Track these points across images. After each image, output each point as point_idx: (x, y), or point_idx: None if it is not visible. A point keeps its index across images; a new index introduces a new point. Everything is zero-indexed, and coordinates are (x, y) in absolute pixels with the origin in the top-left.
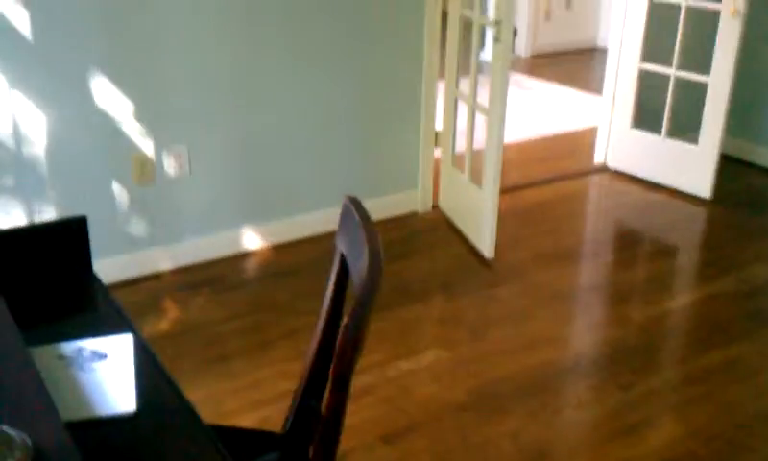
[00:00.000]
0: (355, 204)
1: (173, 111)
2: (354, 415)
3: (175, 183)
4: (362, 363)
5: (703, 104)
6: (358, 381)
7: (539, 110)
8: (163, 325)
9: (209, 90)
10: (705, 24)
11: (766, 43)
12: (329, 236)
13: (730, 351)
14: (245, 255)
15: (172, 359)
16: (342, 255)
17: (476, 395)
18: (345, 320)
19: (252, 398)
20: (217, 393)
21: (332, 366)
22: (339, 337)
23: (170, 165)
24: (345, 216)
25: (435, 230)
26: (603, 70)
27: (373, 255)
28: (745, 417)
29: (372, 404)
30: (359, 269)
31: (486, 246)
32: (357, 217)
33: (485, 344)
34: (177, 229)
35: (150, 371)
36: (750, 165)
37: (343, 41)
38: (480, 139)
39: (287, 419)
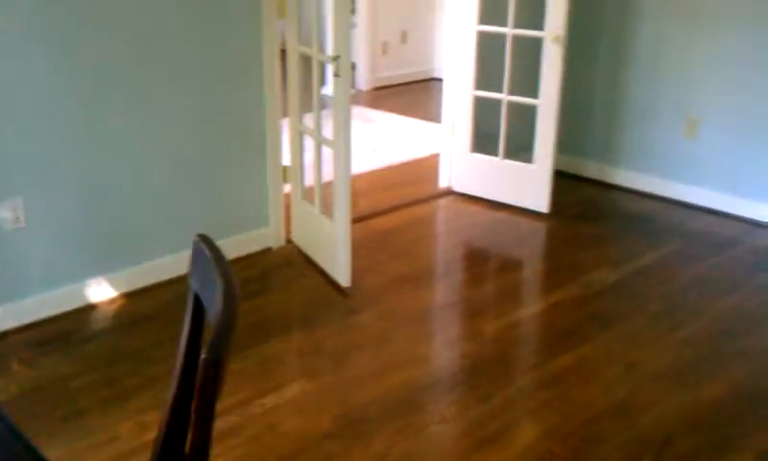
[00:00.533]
0: (206, 241)
1: (4, 161)
2: (220, 457)
3: (11, 237)
4: (225, 404)
5: (535, 125)
6: (223, 423)
7: (383, 141)
8: (12, 387)
9: (45, 136)
10: (531, 51)
11: (587, 66)
12: (182, 280)
13: (577, 352)
14: (95, 306)
15: (24, 421)
16: (195, 295)
17: (342, 422)
18: (203, 354)
19: (111, 452)
20: (74, 451)
21: (194, 403)
22: (198, 372)
23: (5, 218)
24: (196, 254)
25: (290, 265)
26: (441, 99)
27: (228, 287)
28: (595, 412)
29: (238, 445)
30: (215, 304)
31: (342, 275)
32: (209, 254)
33: (347, 371)
34: (19, 284)
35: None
36: (581, 179)
37: (184, 83)
38: (329, 172)
39: None
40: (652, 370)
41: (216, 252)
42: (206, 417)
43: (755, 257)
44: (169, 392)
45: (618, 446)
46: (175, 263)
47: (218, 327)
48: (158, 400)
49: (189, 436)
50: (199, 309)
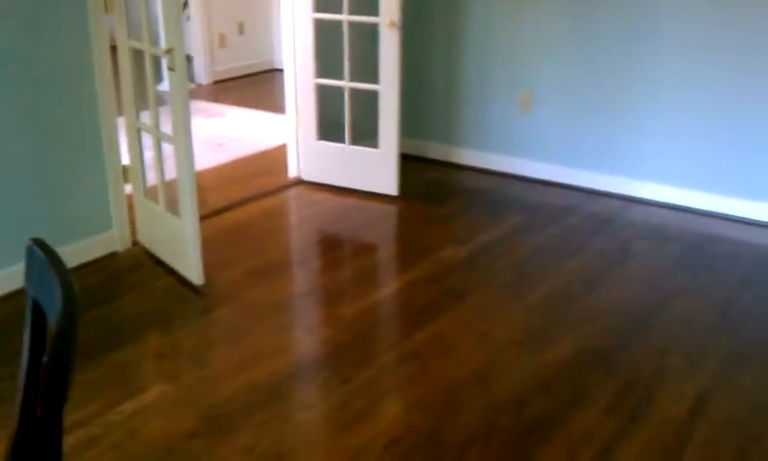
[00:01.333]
0: (39, 244)
1: None
2: None
3: None
4: (82, 414)
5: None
6: (81, 434)
7: (228, 135)
8: None
9: None
10: (370, 37)
11: (424, 50)
12: (21, 293)
13: (433, 327)
14: None
15: None
16: (34, 300)
17: (206, 420)
18: (45, 358)
19: None
20: None
21: (39, 409)
22: (41, 376)
23: None
24: (30, 259)
25: (139, 267)
26: (284, 89)
27: (66, 287)
28: (454, 382)
29: (99, 455)
30: (54, 307)
31: (194, 273)
32: (43, 256)
33: (207, 369)
34: None
35: None
36: (427, 160)
37: (10, 85)
38: (172, 169)
39: None
40: (504, 337)
41: (51, 254)
42: (54, 423)
43: (591, 224)
44: (16, 403)
45: (477, 411)
46: (13, 276)
47: (59, 329)
48: (9, 418)
49: (38, 445)
50: (39, 315)
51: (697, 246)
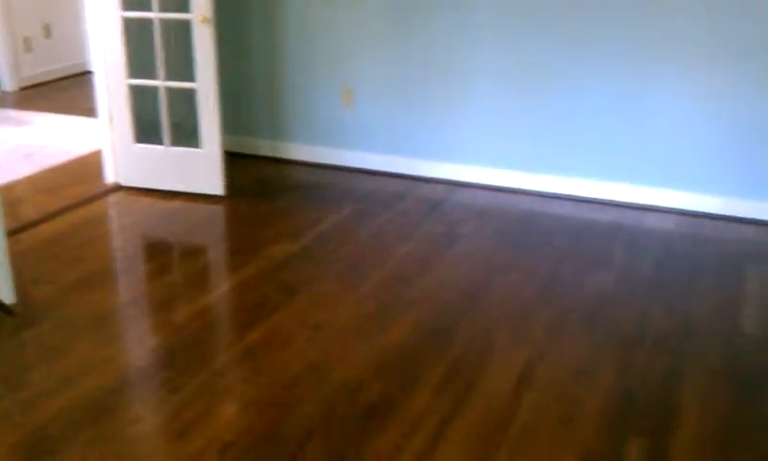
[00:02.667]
0: None
1: None
2: None
3: None
4: None
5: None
6: None
7: (39, 143)
8: None
9: None
10: (187, 34)
11: (244, 46)
12: None
13: (267, 324)
14: None
15: None
16: None
17: (23, 446)
18: None
19: None
20: None
21: None
22: None
23: None
24: None
25: None
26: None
27: None
28: (291, 377)
29: None
30: None
31: (4, 292)
32: None
33: (22, 392)
34: None
35: None
36: (255, 157)
37: None
38: None
39: None
40: (339, 327)
41: None
42: None
43: (419, 209)
44: None
45: (314, 404)
46: None
47: None
48: None
49: None
50: None
51: (519, 223)
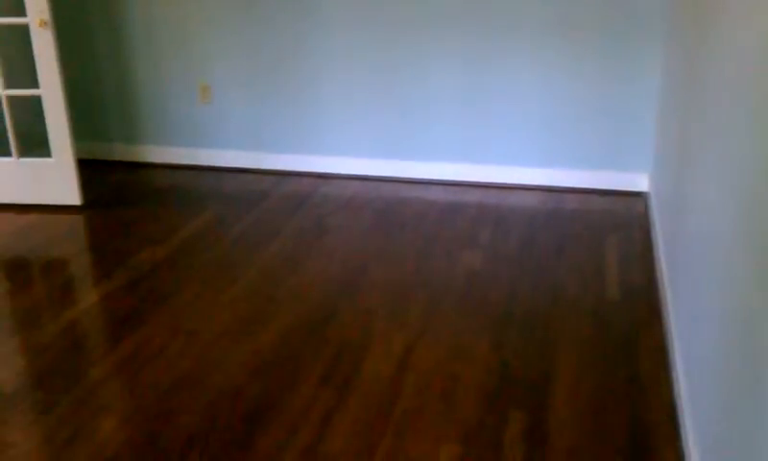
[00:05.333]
0: None
1: None
2: None
3: None
4: None
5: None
6: None
7: None
8: None
9: None
10: (27, 39)
11: (90, 49)
12: None
13: (138, 335)
14: None
15: None
16: None
17: None
18: None
19: None
20: None
21: None
22: None
23: None
24: None
25: None
26: None
27: None
28: (166, 388)
29: None
30: None
31: None
32: None
33: None
34: None
35: None
36: (110, 163)
37: None
38: None
39: None
40: (213, 332)
41: None
42: None
43: (286, 205)
44: None
45: (194, 411)
46: None
47: None
48: None
49: None
50: None
51: (387, 211)
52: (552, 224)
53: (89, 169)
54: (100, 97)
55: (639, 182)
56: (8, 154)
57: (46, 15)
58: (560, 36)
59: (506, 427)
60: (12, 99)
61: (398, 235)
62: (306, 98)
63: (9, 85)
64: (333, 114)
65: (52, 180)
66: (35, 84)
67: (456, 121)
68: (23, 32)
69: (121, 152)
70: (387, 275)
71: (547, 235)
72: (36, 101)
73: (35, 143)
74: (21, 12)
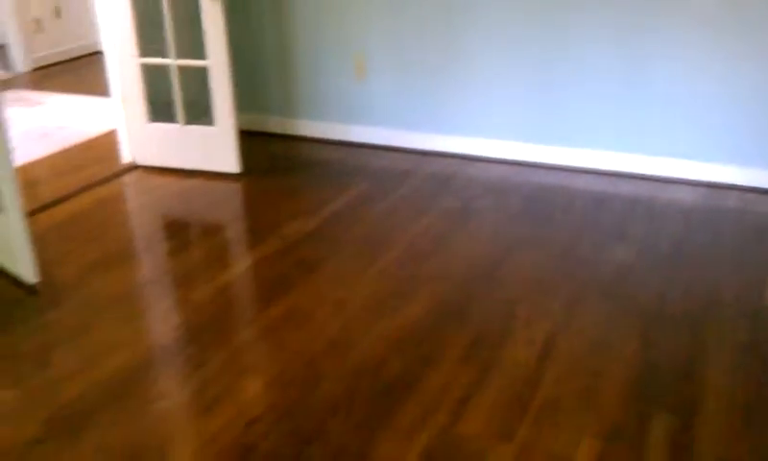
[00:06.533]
0: None
1: None
2: None
3: None
4: None
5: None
6: None
7: (54, 124)
8: None
9: None
10: (197, 12)
11: (253, 22)
12: None
13: (287, 301)
14: None
15: None
16: None
17: (51, 423)
18: None
19: None
20: None
21: None
22: None
23: None
24: None
25: None
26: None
27: None
28: (312, 354)
29: None
30: None
31: (26, 272)
32: None
33: (50, 370)
34: None
35: None
36: (267, 135)
37: None
38: None
39: None
40: (358, 304)
41: None
42: None
43: (432, 185)
44: None
45: (336, 380)
46: None
47: None
48: None
49: None
50: None
51: (535, 197)
52: (710, 222)
53: (248, 139)
54: (261, 69)
55: None
56: (175, 121)
57: None
58: (729, 22)
59: (650, 429)
60: (180, 69)
61: (545, 223)
62: (456, 78)
63: (179, 56)
64: (482, 95)
65: (214, 147)
66: (202, 54)
67: (610, 106)
68: (193, 4)
69: (278, 124)
70: (531, 262)
71: (704, 234)
72: (203, 71)
73: (200, 112)
74: None
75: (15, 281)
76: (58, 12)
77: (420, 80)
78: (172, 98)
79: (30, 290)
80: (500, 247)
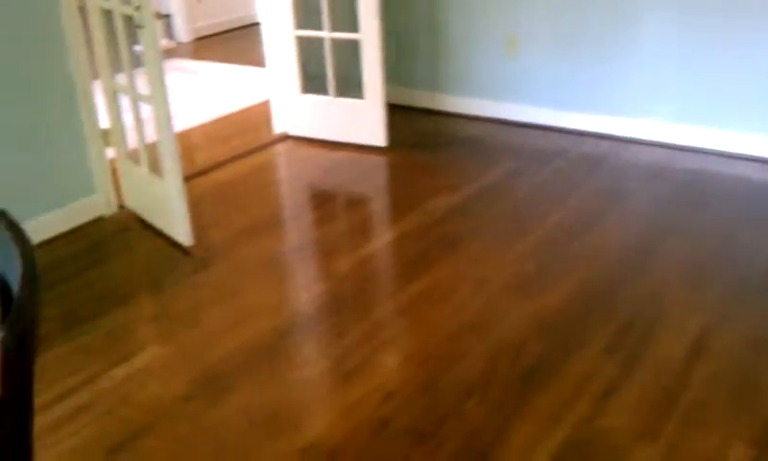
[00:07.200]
0: (1, 216)
1: None
2: (74, 436)
3: None
4: (73, 381)
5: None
6: (73, 401)
7: (212, 92)
8: None
9: None
10: None
11: None
12: None
13: (428, 277)
14: None
15: None
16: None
17: (200, 381)
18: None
19: None
20: None
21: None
22: None
23: None
24: None
25: (127, 231)
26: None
27: (26, 263)
28: (451, 331)
29: (91, 421)
30: (16, 282)
31: (182, 234)
32: (5, 230)
33: (200, 329)
34: None
35: None
36: (414, 109)
37: None
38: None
39: None
40: (500, 283)
41: (14, 226)
42: (20, 402)
43: (583, 165)
44: None
45: (475, 360)
46: None
47: (17, 303)
48: None
49: (5, 425)
50: (5, 289)
51: (692, 183)
52: None
53: (394, 113)
54: (411, 43)
55: None
56: (325, 92)
57: None
58: None
59: None
60: (332, 41)
61: (701, 211)
62: (616, 55)
63: (333, 28)
64: (643, 75)
65: (362, 120)
66: (353, 27)
67: None
68: None
69: (425, 99)
70: (685, 251)
71: None
72: (353, 44)
73: (348, 84)
74: None
75: (171, 243)
76: None
77: (575, 57)
78: (323, 70)
79: (184, 252)
80: (652, 233)
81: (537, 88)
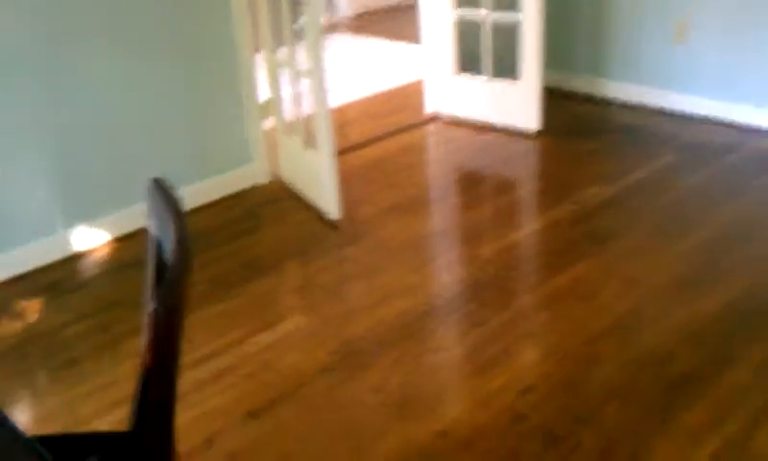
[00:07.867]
0: (159, 184)
1: None
2: (217, 396)
3: None
4: (219, 344)
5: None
6: (217, 363)
7: (369, 68)
8: (4, 339)
9: (14, 89)
10: None
11: None
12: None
13: (574, 271)
14: (82, 254)
15: (18, 373)
16: (157, 240)
17: (339, 355)
18: (153, 305)
19: (107, 399)
20: (71, 399)
21: (147, 358)
22: (150, 323)
23: None
24: (152, 200)
25: (278, 201)
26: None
27: (180, 233)
28: (594, 331)
29: (234, 383)
30: (170, 251)
31: (331, 208)
32: (162, 199)
33: (342, 303)
34: (5, 235)
35: None
36: (570, 94)
37: (149, 24)
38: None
39: (131, 416)
40: (651, 285)
41: (169, 196)
42: (165, 368)
43: (752, 164)
44: (143, 341)
45: (618, 364)
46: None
47: (169, 275)
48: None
49: (151, 387)
50: (161, 256)
51: None
52: None
53: (551, 97)
54: (572, 26)
55: None
56: (479, 73)
57: None
58: None
59: None
60: (491, 22)
61: None
62: None
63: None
64: None
65: (516, 103)
66: (512, 8)
67: None
68: None
69: (584, 84)
70: None
71: None
72: (509, 25)
73: (503, 66)
74: None
75: (320, 215)
76: None
77: (751, 45)
78: (477, 50)
79: (332, 225)
80: None
81: (706, 78)
